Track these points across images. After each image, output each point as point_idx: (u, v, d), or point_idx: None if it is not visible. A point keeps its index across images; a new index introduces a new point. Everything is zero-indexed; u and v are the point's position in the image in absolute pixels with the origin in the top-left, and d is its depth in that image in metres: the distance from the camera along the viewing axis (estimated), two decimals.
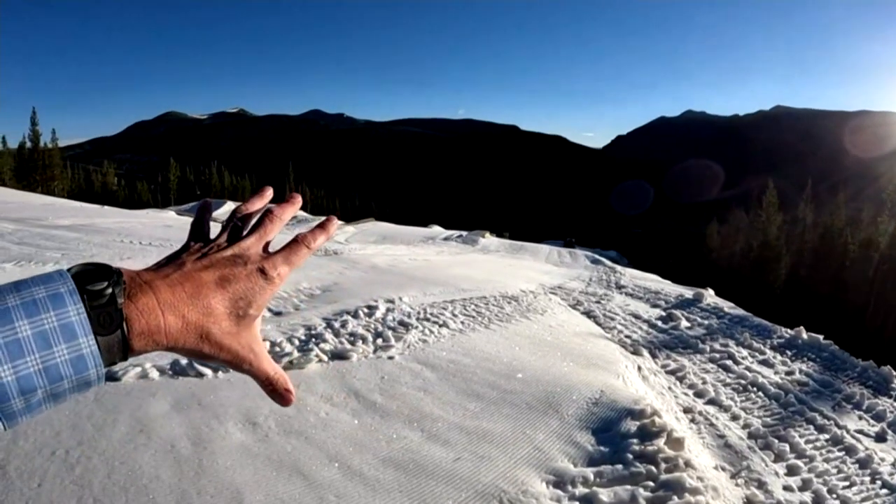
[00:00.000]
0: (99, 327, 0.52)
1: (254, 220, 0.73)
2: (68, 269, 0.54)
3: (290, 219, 0.75)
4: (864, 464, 5.23)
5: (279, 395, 0.68)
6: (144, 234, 13.80)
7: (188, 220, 24.41)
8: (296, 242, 0.69)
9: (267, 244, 0.70)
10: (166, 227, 17.33)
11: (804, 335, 8.96)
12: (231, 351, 0.62)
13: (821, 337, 8.87)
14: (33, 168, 56.57)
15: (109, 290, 0.53)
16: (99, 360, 0.52)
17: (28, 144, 57.92)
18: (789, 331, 9.27)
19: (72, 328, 0.50)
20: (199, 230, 0.70)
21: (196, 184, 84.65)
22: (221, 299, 0.60)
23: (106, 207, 29.15)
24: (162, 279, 0.58)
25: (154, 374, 4.71)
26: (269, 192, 0.79)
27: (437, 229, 44.96)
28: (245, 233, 0.70)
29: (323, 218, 0.76)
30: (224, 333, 0.60)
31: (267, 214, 0.71)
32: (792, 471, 4.94)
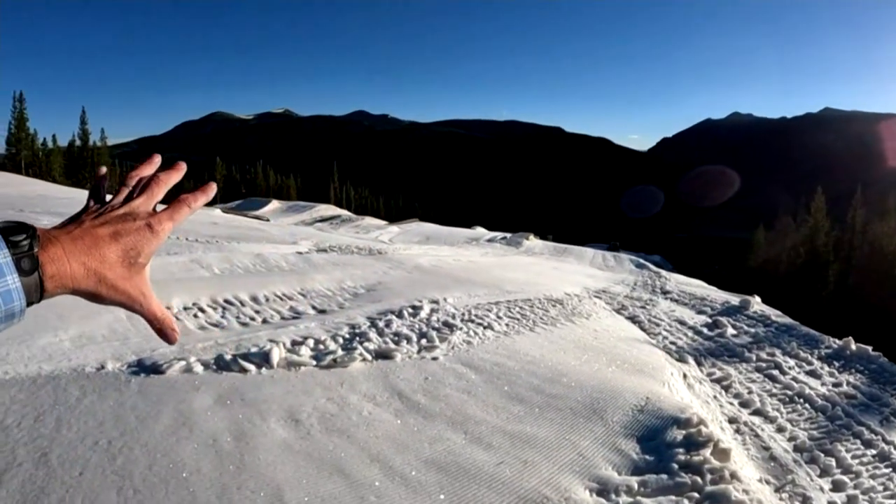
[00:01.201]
0: (20, 270, 0.62)
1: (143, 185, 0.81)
2: None
3: (173, 183, 0.83)
4: None
5: (166, 333, 0.80)
6: (191, 231, 13.91)
7: (233, 217, 24.68)
8: (179, 202, 0.79)
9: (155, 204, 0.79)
10: (213, 224, 17.48)
11: (853, 346, 8.70)
12: (125, 293, 0.73)
13: (870, 348, 8.62)
14: (82, 165, 57.76)
15: (27, 241, 0.64)
16: (22, 294, 0.62)
17: (77, 143, 59.23)
18: (837, 341, 9.02)
19: (0, 269, 0.61)
20: (96, 195, 0.79)
21: (241, 183, 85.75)
22: (115, 249, 0.71)
23: None
24: (66, 234, 0.69)
25: (198, 368, 4.74)
26: (157, 159, 0.87)
27: (480, 231, 44.91)
28: (136, 195, 0.78)
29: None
30: (118, 278, 0.71)
31: (153, 179, 0.80)
32: (837, 486, 4.77)
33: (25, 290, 0.63)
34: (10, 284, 0.61)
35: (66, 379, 4.32)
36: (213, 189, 0.84)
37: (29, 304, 0.64)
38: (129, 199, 0.78)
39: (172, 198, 0.81)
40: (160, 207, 0.79)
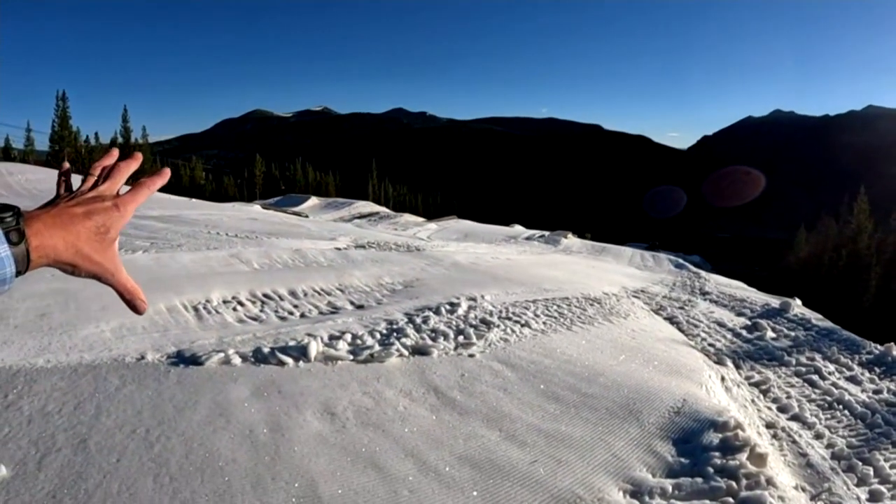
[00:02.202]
0: (9, 241, 0.72)
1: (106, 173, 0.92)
2: None
3: (132, 171, 0.94)
4: None
5: (136, 304, 0.89)
6: (231, 226, 14.11)
7: (273, 213, 24.92)
8: (139, 185, 0.91)
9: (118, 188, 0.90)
10: (251, 220, 17.71)
11: (894, 352, 8.50)
12: (99, 264, 0.82)
13: None
14: None
15: (13, 218, 0.74)
16: (12, 262, 0.72)
17: (119, 140, 60.30)
18: (879, 346, 8.81)
19: None
20: (66, 185, 0.90)
21: (281, 179, 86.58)
22: (88, 226, 0.81)
23: (194, 200, 29.97)
24: (46, 213, 0.79)
25: (236, 360, 4.79)
26: (116, 152, 0.96)
27: (518, 228, 44.77)
28: (101, 182, 0.89)
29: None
30: (93, 251, 0.81)
31: (115, 167, 0.91)
32: (874, 496, 4.65)
33: (15, 258, 0.72)
34: (1, 252, 0.71)
35: (106, 368, 4.40)
36: (167, 174, 0.95)
37: (18, 273, 0.74)
38: (95, 185, 0.88)
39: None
40: (124, 191, 0.90)
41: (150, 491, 2.95)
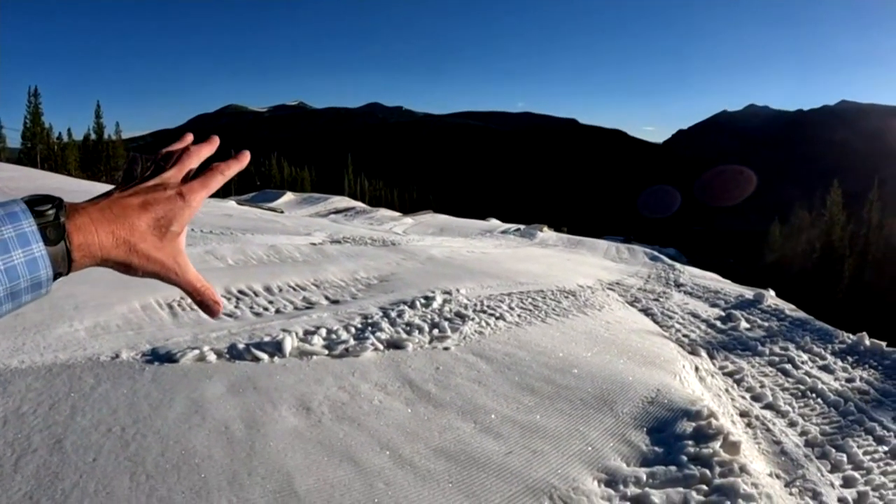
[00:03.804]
0: (46, 238, 0.63)
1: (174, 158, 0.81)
2: (21, 199, 0.65)
3: (206, 156, 0.83)
4: None
5: (207, 305, 0.80)
6: (205, 223, 14.01)
7: (248, 209, 24.79)
8: (211, 170, 0.79)
9: (187, 175, 0.79)
10: (226, 216, 17.61)
11: (867, 341, 8.63)
12: (158, 261, 0.72)
13: (884, 344, 8.53)
14: (97, 159, 58.07)
15: (53, 211, 0.64)
16: (48, 261, 0.63)
17: (93, 136, 59.55)
18: (851, 336, 8.95)
19: (26, 237, 0.61)
20: (129, 176, 0.78)
21: (256, 175, 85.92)
22: (145, 219, 0.71)
23: None
24: (94, 205, 0.69)
25: (211, 356, 4.79)
26: (190, 137, 0.87)
27: (494, 222, 44.80)
28: (167, 167, 0.78)
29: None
30: (150, 247, 0.71)
31: (185, 151, 0.81)
32: (848, 482, 4.74)
33: (52, 259, 0.63)
34: (35, 252, 0.61)
35: (80, 367, 4.37)
36: (246, 157, 0.85)
37: (58, 275, 0.65)
38: (159, 171, 0.77)
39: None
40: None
41: (127, 490, 2.95)
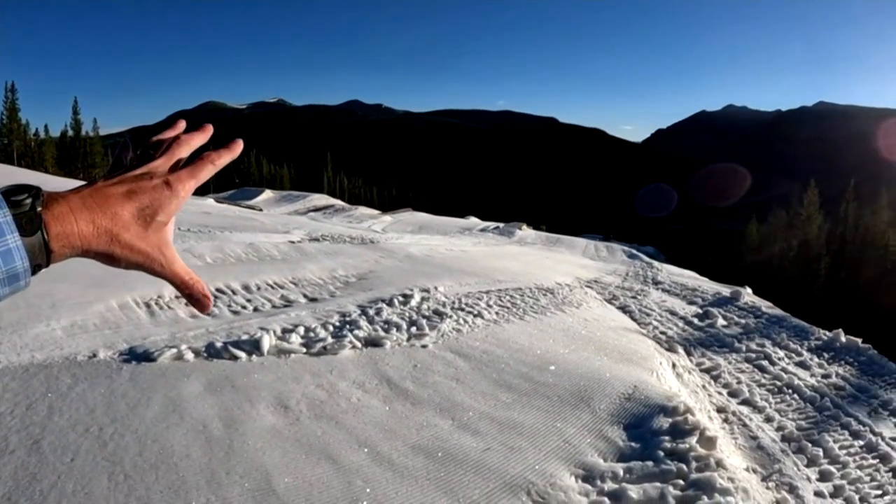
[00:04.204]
0: (21, 229, 0.60)
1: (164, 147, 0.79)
2: None
3: (198, 145, 0.80)
4: None
5: (196, 299, 0.77)
6: (183, 221, 13.92)
7: (226, 207, 24.65)
8: (202, 159, 0.77)
9: (177, 164, 0.76)
10: (204, 213, 17.50)
11: (842, 338, 8.76)
12: (142, 252, 0.70)
13: (859, 340, 8.66)
14: (75, 156, 57.28)
15: (29, 201, 0.62)
16: (24, 253, 0.60)
17: (70, 133, 58.78)
18: (827, 333, 9.08)
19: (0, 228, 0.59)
20: (118, 165, 0.77)
21: (235, 172, 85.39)
22: (129, 208, 0.68)
23: None
24: (75, 194, 0.67)
25: (189, 355, 4.77)
26: (182, 124, 0.83)
27: (473, 220, 44.90)
28: (157, 156, 0.76)
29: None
30: (133, 237, 0.69)
31: (176, 140, 0.78)
32: (824, 476, 4.82)
33: (28, 250, 0.61)
34: (9, 243, 0.59)
35: (57, 367, 4.35)
36: (239, 146, 0.82)
37: (37, 267, 0.63)
38: (148, 160, 0.75)
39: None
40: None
41: (105, 490, 2.94)
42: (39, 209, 0.62)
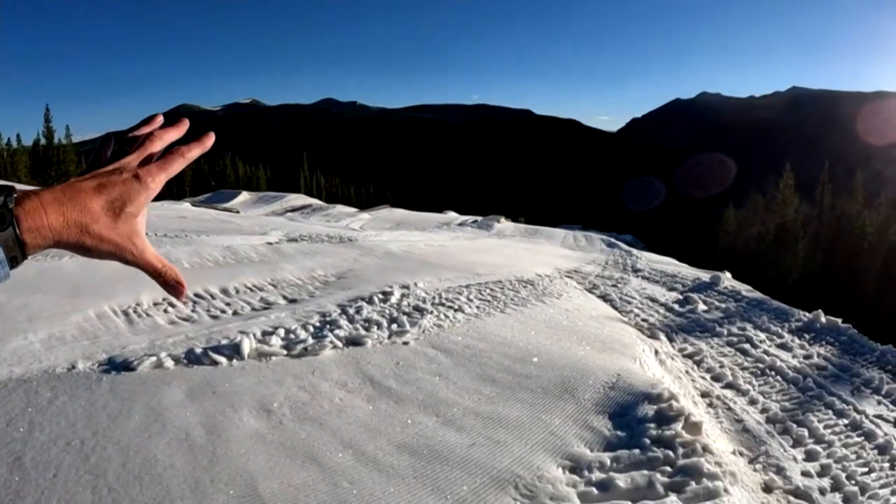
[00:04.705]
0: None
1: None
2: None
3: (172, 140, 0.83)
4: (883, 449, 5.13)
5: (171, 286, 0.81)
6: (159, 226, 13.80)
7: (203, 210, 24.47)
8: (172, 153, 0.81)
9: (149, 159, 0.80)
10: (181, 218, 17.35)
11: (822, 319, 8.85)
12: (112, 242, 0.73)
13: (839, 320, 8.76)
14: (48, 165, 56.56)
15: (1, 199, 0.66)
16: None
17: (42, 141, 58.09)
18: (807, 314, 9.17)
19: None
20: (97, 160, 0.80)
21: (210, 175, 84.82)
22: (98, 201, 0.72)
23: None
24: (49, 190, 0.71)
25: (169, 363, 4.73)
26: (160, 119, 0.87)
27: (451, 215, 44.79)
28: (130, 152, 0.79)
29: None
30: (103, 228, 0.72)
31: (149, 136, 0.82)
32: (810, 456, 4.87)
33: (2, 243, 0.65)
34: None
35: (36, 381, 4.29)
36: (210, 139, 0.85)
37: (13, 259, 0.67)
38: (122, 156, 0.79)
39: None
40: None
41: None
42: (11, 206, 0.66)
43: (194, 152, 0.83)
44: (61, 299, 6.07)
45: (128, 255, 0.76)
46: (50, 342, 5.11)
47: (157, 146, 0.81)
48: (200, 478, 3.17)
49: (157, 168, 0.78)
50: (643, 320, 8.63)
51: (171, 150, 0.81)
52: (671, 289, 11.50)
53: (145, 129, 0.83)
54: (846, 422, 5.60)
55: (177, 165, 0.80)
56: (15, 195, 0.68)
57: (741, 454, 4.71)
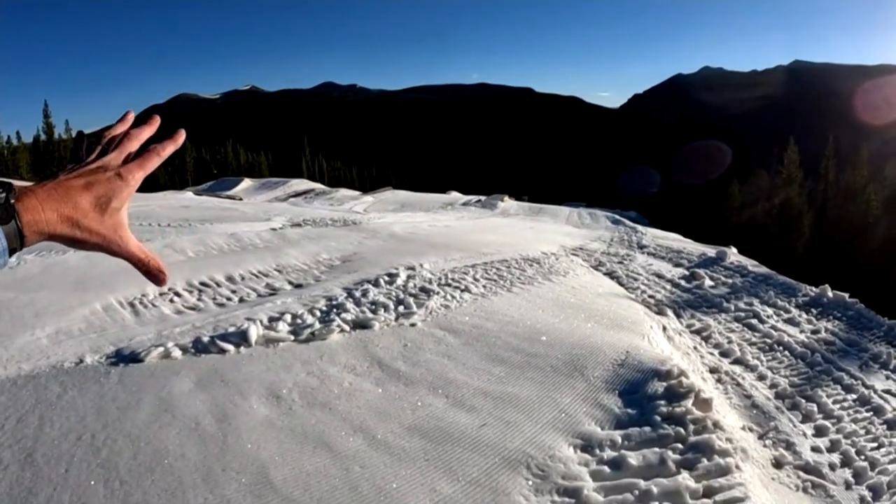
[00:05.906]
0: None
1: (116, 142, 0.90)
2: None
3: (146, 138, 0.92)
4: (892, 424, 5.12)
5: (153, 275, 0.89)
6: (162, 216, 13.81)
7: (206, 199, 24.47)
8: (148, 151, 0.89)
9: (128, 157, 0.88)
10: (184, 207, 17.35)
11: (829, 293, 8.80)
12: (100, 234, 0.81)
13: (846, 295, 8.71)
14: (49, 160, 56.58)
15: (3, 195, 0.73)
16: (1, 236, 0.71)
17: (42, 137, 58.06)
18: (814, 289, 9.11)
19: None
20: (75, 157, 0.87)
21: (212, 163, 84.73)
22: (87, 197, 0.80)
23: None
24: (41, 187, 0.78)
25: (177, 353, 4.73)
26: (131, 116, 0.95)
27: (455, 195, 44.72)
28: (110, 151, 0.87)
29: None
30: (92, 222, 0.80)
31: (126, 135, 0.90)
32: (820, 431, 4.85)
33: (5, 235, 0.72)
34: None
35: (45, 377, 4.30)
36: (181, 136, 0.93)
37: (12, 251, 0.74)
38: (103, 155, 0.86)
39: None
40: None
41: (102, 498, 2.91)
42: (13, 202, 0.74)
43: (168, 150, 0.91)
44: (67, 294, 6.07)
45: (114, 246, 0.84)
46: (57, 337, 5.11)
47: (135, 144, 0.90)
48: (212, 467, 3.17)
49: (137, 166, 0.86)
50: (650, 297, 8.59)
51: (147, 149, 0.89)
52: (677, 265, 11.44)
53: (120, 128, 0.92)
54: (855, 397, 5.58)
55: (153, 162, 0.88)
56: (14, 191, 0.75)
57: (751, 430, 4.70)
